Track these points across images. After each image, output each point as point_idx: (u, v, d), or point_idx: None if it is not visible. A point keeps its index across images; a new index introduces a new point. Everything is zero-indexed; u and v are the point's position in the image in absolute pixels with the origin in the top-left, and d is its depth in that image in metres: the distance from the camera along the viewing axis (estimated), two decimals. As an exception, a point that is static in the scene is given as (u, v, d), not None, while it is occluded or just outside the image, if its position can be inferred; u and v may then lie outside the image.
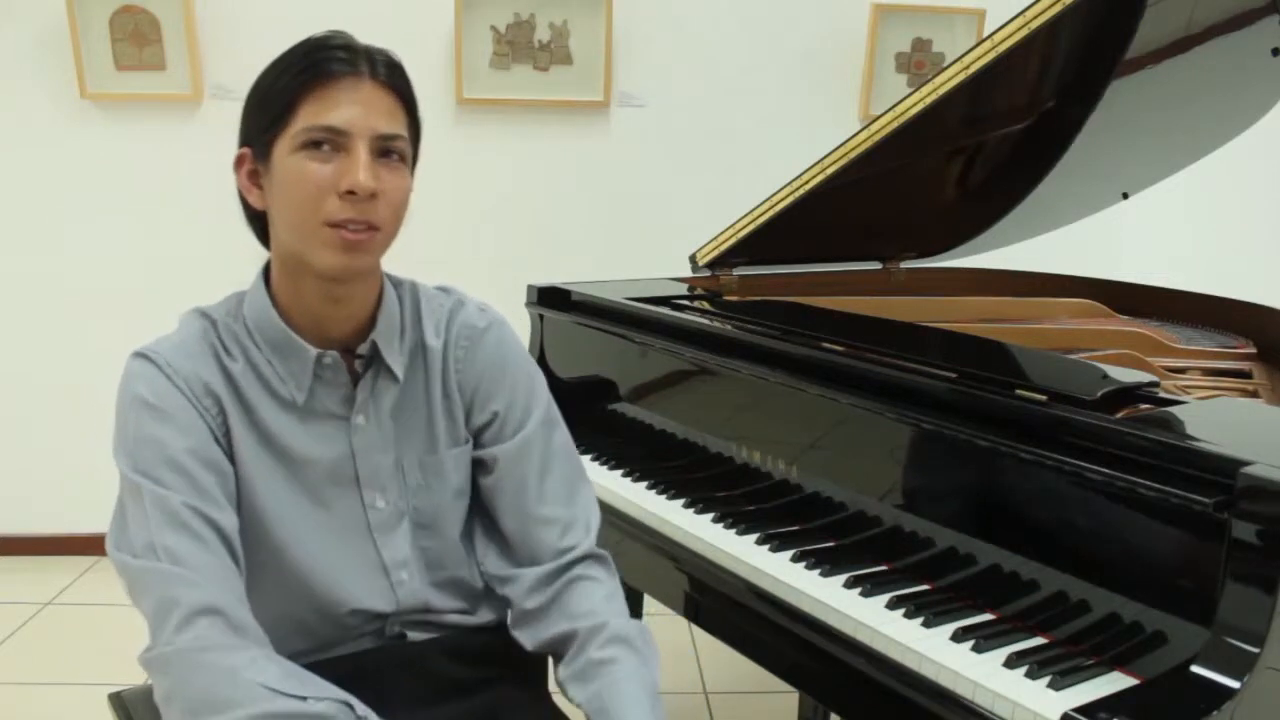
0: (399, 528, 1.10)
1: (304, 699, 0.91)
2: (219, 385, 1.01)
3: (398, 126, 1.00)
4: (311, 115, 0.96)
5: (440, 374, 1.12)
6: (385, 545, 1.09)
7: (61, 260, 2.77)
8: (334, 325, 1.05)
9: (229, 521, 0.98)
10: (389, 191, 0.99)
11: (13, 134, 2.69)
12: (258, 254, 1.15)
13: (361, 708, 0.94)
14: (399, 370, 1.08)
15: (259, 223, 1.06)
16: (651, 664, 1.06)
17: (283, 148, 0.97)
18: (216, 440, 1.00)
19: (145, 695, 1.28)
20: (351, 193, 0.96)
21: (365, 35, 1.01)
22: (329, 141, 0.96)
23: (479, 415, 1.14)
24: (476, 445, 1.15)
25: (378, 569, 1.09)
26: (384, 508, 1.09)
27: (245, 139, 1.02)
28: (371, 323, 1.07)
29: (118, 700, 1.26)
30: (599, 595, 1.10)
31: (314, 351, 1.04)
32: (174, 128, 2.70)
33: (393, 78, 1.00)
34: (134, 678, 1.16)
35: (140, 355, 1.01)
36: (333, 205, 0.96)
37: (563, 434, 1.18)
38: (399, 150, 1.00)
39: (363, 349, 1.07)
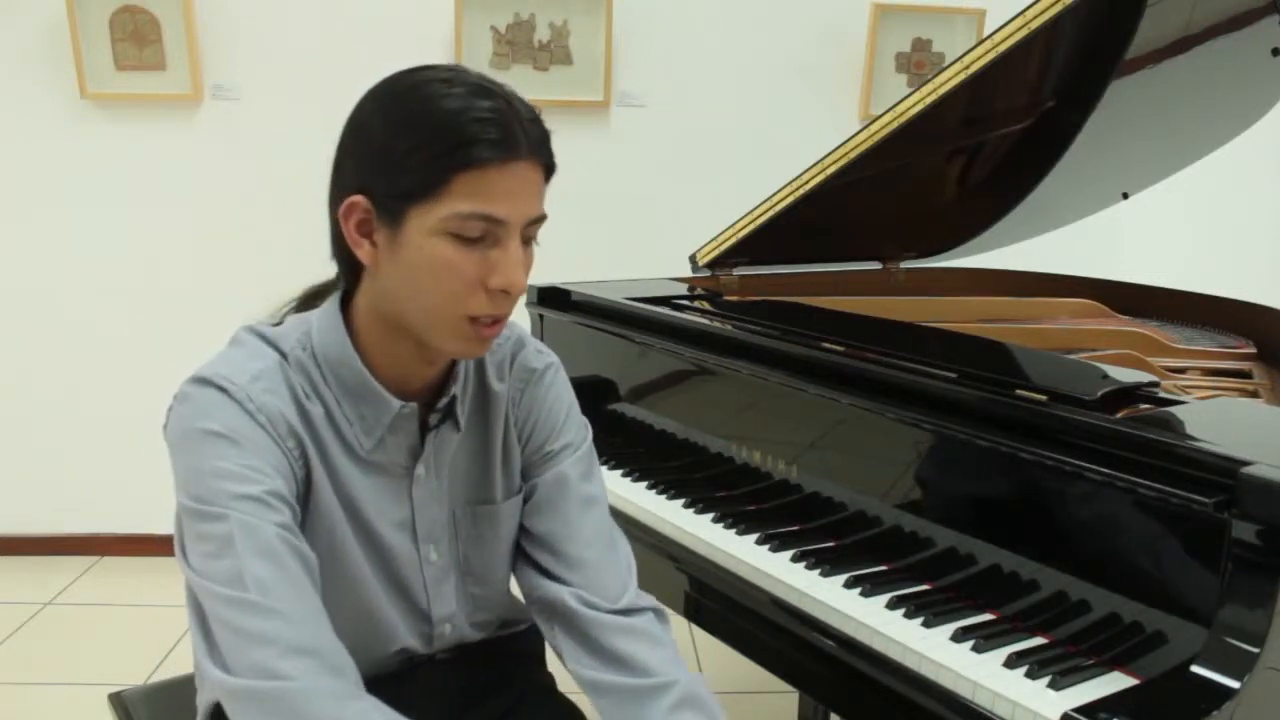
0: (448, 579, 1.08)
1: None
2: (300, 426, 0.94)
3: (542, 204, 0.94)
4: (466, 200, 0.87)
5: (504, 421, 1.08)
6: (436, 599, 1.07)
7: (61, 260, 2.76)
8: (420, 379, 1.00)
9: (313, 555, 0.92)
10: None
11: (13, 134, 2.69)
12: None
13: None
14: (463, 420, 1.04)
15: (350, 263, 0.96)
16: None
17: (422, 223, 0.88)
18: (295, 479, 0.94)
19: (145, 695, 1.28)
20: (504, 291, 0.90)
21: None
22: (483, 231, 0.89)
23: (528, 452, 1.11)
24: (522, 477, 1.11)
25: (425, 619, 1.08)
26: (437, 560, 1.06)
27: (359, 187, 0.90)
28: (449, 372, 1.03)
29: (118, 700, 1.26)
30: (661, 656, 1.03)
31: (397, 404, 0.98)
32: (174, 128, 2.69)
33: (542, 151, 0.92)
34: (134, 678, 1.15)
35: (211, 384, 0.91)
36: (478, 301, 0.90)
37: (599, 481, 1.14)
38: (536, 233, 0.95)
39: (442, 404, 1.01)
